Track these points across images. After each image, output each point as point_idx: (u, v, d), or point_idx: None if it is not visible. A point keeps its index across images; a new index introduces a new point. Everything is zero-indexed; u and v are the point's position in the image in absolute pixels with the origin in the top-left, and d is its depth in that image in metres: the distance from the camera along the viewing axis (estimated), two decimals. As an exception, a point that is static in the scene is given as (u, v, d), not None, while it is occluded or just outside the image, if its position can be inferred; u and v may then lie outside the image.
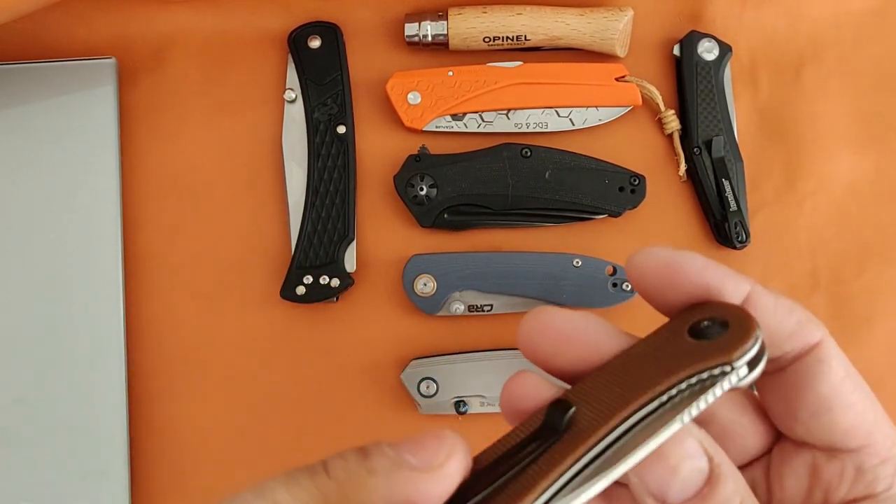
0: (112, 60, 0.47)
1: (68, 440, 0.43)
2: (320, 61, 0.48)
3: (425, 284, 0.46)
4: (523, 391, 0.23)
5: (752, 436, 0.24)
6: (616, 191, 0.47)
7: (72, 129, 0.46)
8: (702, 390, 0.20)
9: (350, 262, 0.47)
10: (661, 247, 0.23)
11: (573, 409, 0.21)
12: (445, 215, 0.47)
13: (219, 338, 0.47)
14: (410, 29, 0.47)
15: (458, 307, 0.46)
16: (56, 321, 0.44)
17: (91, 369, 0.44)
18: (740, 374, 0.20)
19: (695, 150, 0.48)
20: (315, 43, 0.48)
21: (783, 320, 0.22)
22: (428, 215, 0.47)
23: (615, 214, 0.47)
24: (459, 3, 0.48)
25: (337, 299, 0.47)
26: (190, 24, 0.49)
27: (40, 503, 0.43)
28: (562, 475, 0.19)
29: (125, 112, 0.48)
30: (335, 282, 0.46)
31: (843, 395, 0.22)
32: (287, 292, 0.46)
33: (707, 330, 0.22)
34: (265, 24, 0.49)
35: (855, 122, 0.50)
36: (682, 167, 0.48)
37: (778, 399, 0.23)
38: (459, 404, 0.45)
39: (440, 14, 0.47)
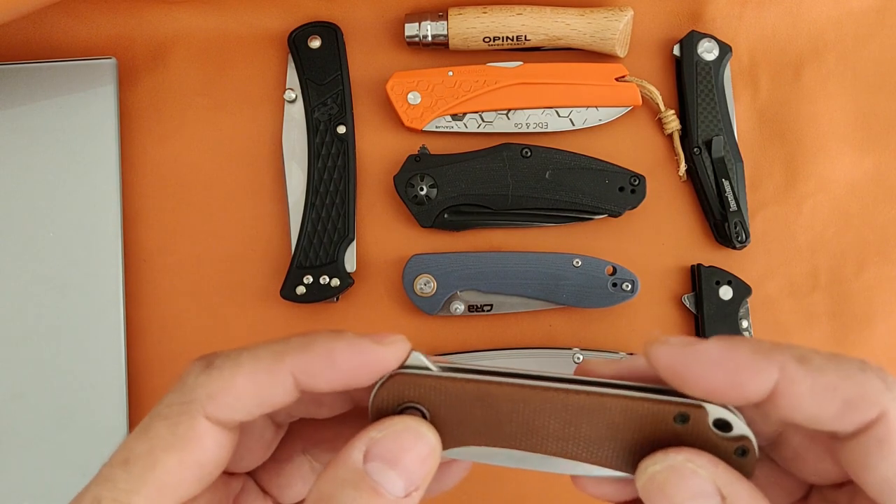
0: (112, 60, 0.47)
1: (68, 439, 0.44)
2: (320, 61, 0.48)
3: (425, 284, 0.46)
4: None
5: (822, 463, 0.23)
6: (616, 191, 0.47)
7: (72, 129, 0.46)
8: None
9: (350, 262, 0.47)
10: (676, 339, 0.21)
11: None
12: (445, 215, 0.47)
13: (219, 338, 0.47)
14: (410, 29, 0.48)
15: (458, 307, 0.46)
16: (56, 320, 0.44)
17: (91, 369, 0.44)
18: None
19: (695, 150, 0.48)
20: (315, 43, 0.48)
21: (823, 404, 0.20)
22: (428, 215, 0.47)
23: (615, 214, 0.47)
24: (459, 3, 0.48)
25: (337, 299, 0.47)
26: (190, 24, 0.49)
27: (40, 503, 0.43)
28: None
29: (125, 112, 0.48)
30: (335, 282, 0.46)
31: None
32: (287, 292, 0.46)
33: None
34: (265, 24, 0.49)
35: (855, 122, 0.50)
36: (682, 167, 0.48)
37: (848, 468, 0.21)
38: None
39: (440, 14, 0.47)
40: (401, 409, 0.23)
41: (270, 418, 0.25)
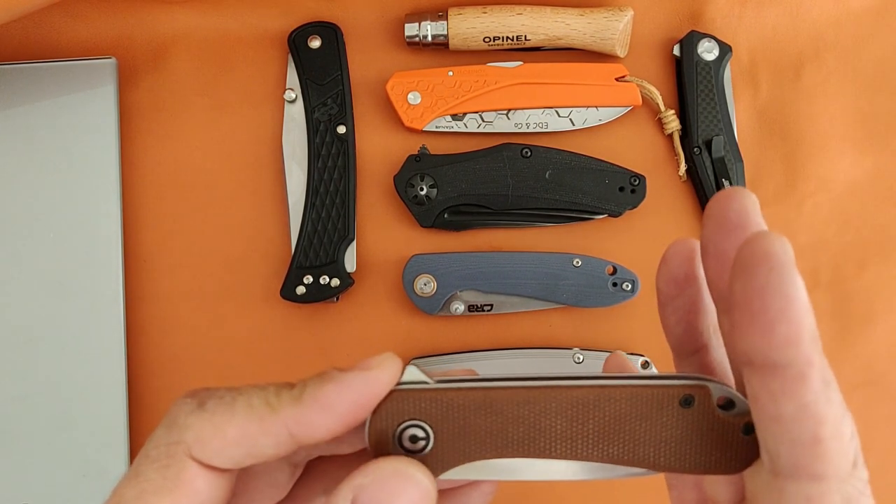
0: (112, 60, 0.47)
1: (68, 440, 0.43)
2: (320, 61, 0.48)
3: (425, 284, 0.46)
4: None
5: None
6: (616, 191, 0.47)
7: (72, 129, 0.46)
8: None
9: (350, 262, 0.47)
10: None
11: None
12: (445, 215, 0.47)
13: (219, 338, 0.47)
14: (410, 29, 0.48)
15: (458, 307, 0.46)
16: (56, 321, 0.44)
17: (91, 369, 0.44)
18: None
19: (695, 150, 0.48)
20: (315, 43, 0.48)
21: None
22: (428, 215, 0.47)
23: (615, 214, 0.47)
24: (459, 3, 0.48)
25: (337, 299, 0.47)
26: (190, 24, 0.49)
27: (40, 503, 0.43)
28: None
29: (125, 112, 0.48)
30: (335, 282, 0.46)
31: None
32: (287, 292, 0.46)
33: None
34: (265, 24, 0.49)
35: (855, 122, 0.50)
36: (682, 167, 0.48)
37: None
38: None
39: (440, 14, 0.47)
40: (402, 428, 0.22)
41: (285, 459, 0.24)
